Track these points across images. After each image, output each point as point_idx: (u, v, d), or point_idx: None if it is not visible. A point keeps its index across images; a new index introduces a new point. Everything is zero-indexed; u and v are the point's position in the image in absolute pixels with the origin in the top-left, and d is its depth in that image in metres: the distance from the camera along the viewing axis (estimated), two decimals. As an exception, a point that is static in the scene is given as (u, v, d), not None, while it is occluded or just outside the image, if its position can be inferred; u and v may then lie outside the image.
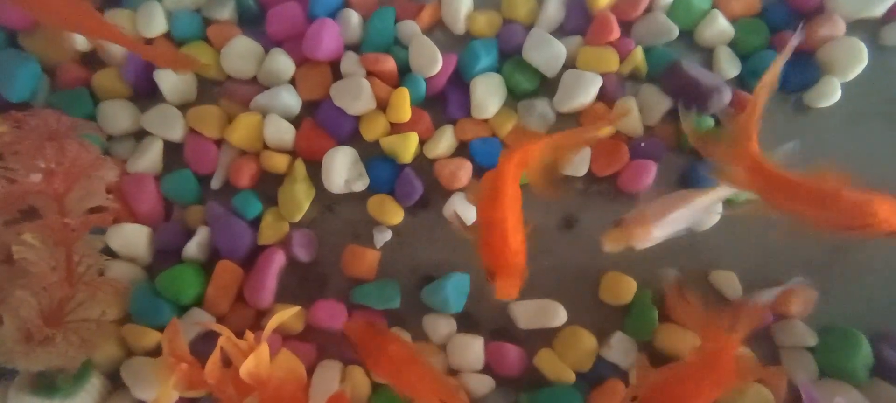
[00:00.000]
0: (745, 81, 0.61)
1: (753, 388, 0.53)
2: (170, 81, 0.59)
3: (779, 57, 0.52)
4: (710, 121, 0.59)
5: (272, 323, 0.49)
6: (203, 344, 0.53)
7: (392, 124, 0.60)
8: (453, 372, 0.55)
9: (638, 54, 0.60)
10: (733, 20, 0.62)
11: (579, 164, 0.58)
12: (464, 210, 0.56)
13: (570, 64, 0.61)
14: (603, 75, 0.59)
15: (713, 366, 0.46)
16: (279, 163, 0.58)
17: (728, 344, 0.47)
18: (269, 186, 0.59)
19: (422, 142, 0.60)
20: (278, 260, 0.56)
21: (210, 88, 0.62)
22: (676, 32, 0.61)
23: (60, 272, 0.48)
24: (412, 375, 0.49)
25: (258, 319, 0.56)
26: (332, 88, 0.59)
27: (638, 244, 0.47)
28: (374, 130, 0.59)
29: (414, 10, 0.62)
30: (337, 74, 0.61)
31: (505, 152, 0.49)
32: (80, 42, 0.60)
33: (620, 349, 0.55)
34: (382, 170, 0.59)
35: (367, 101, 0.58)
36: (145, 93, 0.60)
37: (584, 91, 0.58)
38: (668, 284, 0.55)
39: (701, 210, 0.49)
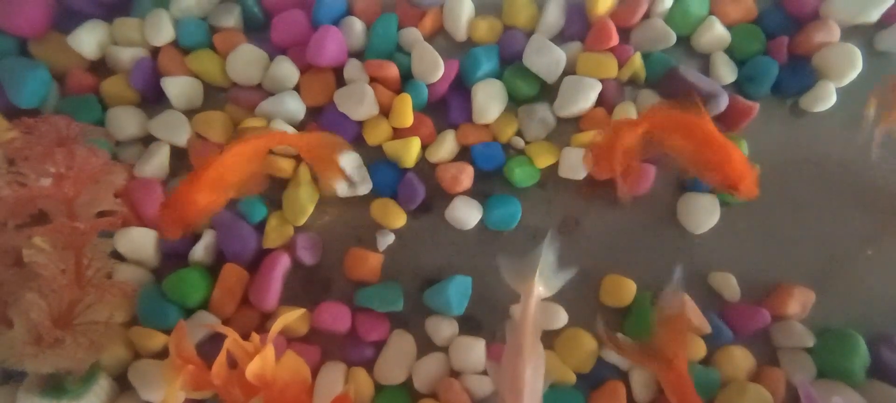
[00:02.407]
0: (741, 87, 0.62)
1: (753, 388, 0.54)
2: (177, 88, 0.60)
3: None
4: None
5: (277, 325, 0.50)
6: (209, 346, 0.54)
7: (395, 129, 0.60)
8: (455, 374, 0.56)
9: (636, 60, 0.61)
10: (730, 26, 0.63)
11: (579, 167, 0.59)
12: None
13: (569, 69, 0.62)
14: (602, 81, 0.60)
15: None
16: (284, 167, 0.59)
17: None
18: (273, 190, 0.60)
19: (424, 147, 0.61)
20: (283, 263, 0.57)
21: (216, 95, 0.63)
22: (674, 38, 0.62)
23: (69, 275, 0.48)
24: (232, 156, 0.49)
25: (263, 321, 0.57)
26: (335, 94, 0.60)
27: None
28: (377, 135, 0.60)
29: (416, 16, 0.63)
30: (340, 81, 0.61)
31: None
32: (88, 50, 0.61)
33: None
34: (385, 174, 0.59)
35: (370, 107, 0.59)
36: (152, 100, 0.61)
37: (584, 96, 0.59)
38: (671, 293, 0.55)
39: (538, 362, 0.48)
